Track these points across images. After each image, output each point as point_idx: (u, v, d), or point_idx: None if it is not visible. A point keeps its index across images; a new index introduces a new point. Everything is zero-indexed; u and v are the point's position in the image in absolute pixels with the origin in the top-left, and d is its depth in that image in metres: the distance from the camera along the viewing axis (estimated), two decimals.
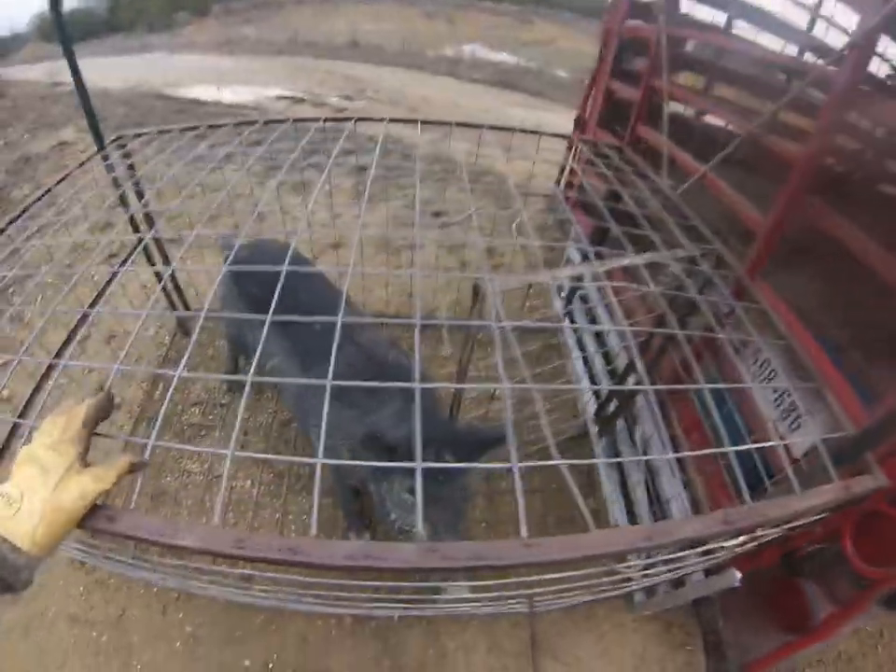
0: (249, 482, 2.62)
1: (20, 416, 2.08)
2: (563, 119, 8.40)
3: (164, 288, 2.94)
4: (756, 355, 1.94)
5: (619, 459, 2.65)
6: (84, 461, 0.85)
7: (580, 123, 4.16)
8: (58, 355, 2.16)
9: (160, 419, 1.08)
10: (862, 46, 1.63)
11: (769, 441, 1.25)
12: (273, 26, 18.07)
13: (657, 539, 0.94)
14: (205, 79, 9.05)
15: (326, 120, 2.47)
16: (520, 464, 0.94)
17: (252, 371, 1.12)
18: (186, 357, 1.12)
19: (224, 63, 10.51)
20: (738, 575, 1.60)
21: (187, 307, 3.22)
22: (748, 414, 1.81)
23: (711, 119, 2.65)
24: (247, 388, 1.10)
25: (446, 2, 26.62)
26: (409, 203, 4.08)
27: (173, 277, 3.03)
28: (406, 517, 1.58)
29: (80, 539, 1.72)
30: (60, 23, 2.25)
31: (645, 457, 2.45)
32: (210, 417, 2.84)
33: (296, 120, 2.42)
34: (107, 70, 9.02)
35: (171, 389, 1.10)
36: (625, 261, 1.75)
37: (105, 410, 0.93)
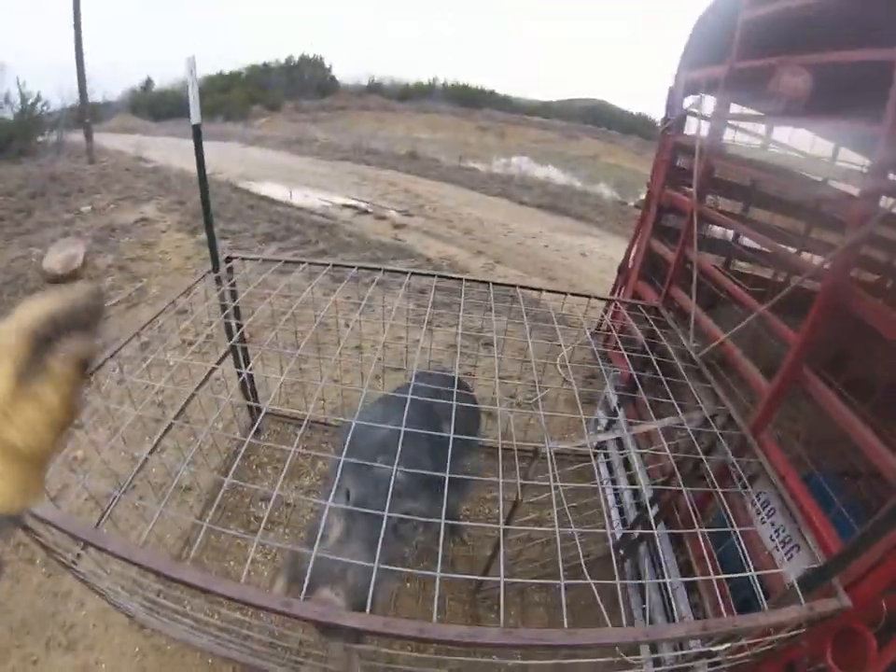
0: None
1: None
2: (603, 246, 8.96)
3: (244, 391, 3.35)
4: (759, 495, 2.20)
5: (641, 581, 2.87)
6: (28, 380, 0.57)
7: (623, 272, 4.55)
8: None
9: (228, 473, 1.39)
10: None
11: (766, 569, 1.59)
12: (336, 128, 19.67)
13: (651, 636, 1.36)
14: (276, 177, 9.89)
15: (412, 274, 2.95)
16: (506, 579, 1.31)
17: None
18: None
19: (293, 162, 11.51)
20: None
21: (258, 408, 3.60)
22: (749, 545, 1.98)
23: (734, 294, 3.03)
24: None
25: (497, 116, 28.61)
26: (462, 330, 4.49)
27: (250, 378, 3.44)
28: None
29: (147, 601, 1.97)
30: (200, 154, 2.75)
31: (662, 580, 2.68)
32: (276, 514, 3.12)
33: (386, 270, 2.90)
34: (187, 153, 9.88)
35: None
36: (650, 426, 2.13)
37: (74, 310, 0.62)
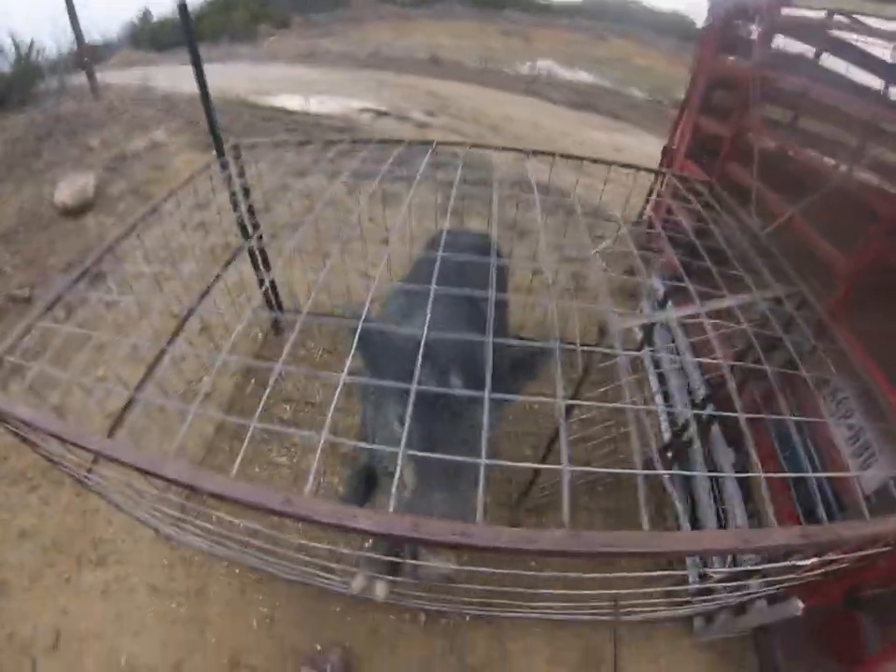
0: (336, 478, 2.74)
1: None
2: (640, 143, 8.40)
3: (264, 289, 3.13)
4: (835, 393, 1.97)
5: (689, 474, 2.67)
6: None
7: (667, 154, 4.13)
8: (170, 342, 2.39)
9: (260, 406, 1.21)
10: None
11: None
12: (352, 40, 18.62)
13: (752, 543, 1.06)
14: (291, 89, 9.38)
15: (410, 143, 2.66)
16: (570, 468, 1.03)
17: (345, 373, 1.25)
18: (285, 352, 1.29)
19: (308, 73, 10.89)
20: (801, 605, 1.65)
21: (280, 306, 3.40)
22: (823, 449, 1.89)
23: (802, 157, 2.63)
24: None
25: (522, 20, 26.84)
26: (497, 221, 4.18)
27: (272, 282, 3.22)
28: (391, 459, 1.39)
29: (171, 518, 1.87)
30: (193, 45, 2.42)
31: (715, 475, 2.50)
32: (300, 415, 2.98)
33: (410, 143, 2.65)
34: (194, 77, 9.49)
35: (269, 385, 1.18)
36: (723, 304, 1.84)
37: None
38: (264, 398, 1.31)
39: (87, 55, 8.82)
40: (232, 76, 9.99)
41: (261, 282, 2.99)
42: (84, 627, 2.23)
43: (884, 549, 1.35)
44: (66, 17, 8.79)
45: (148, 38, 23.95)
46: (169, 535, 2.34)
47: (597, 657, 2.25)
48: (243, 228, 2.76)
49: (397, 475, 1.02)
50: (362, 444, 1.66)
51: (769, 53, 2.82)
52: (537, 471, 2.38)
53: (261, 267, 2.98)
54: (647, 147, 8.21)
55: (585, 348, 1.60)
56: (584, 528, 2.02)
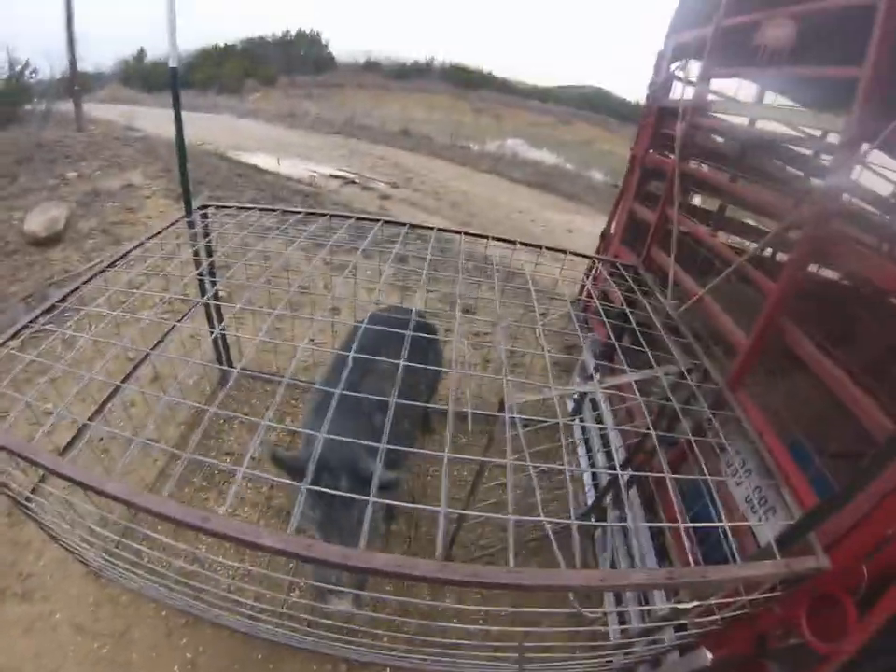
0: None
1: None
2: (592, 224, 8.92)
3: (214, 343, 3.30)
4: (736, 455, 2.13)
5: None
6: None
7: (605, 238, 4.52)
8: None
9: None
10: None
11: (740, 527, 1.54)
12: (332, 104, 19.40)
13: (609, 582, 1.25)
14: (266, 148, 9.75)
15: (385, 223, 2.90)
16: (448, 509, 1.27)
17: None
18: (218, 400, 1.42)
19: (285, 134, 11.34)
20: (709, 655, 1.75)
21: (230, 362, 3.55)
22: (727, 506, 1.98)
23: (712, 243, 2.99)
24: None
25: (493, 98, 28.28)
26: (442, 297, 4.46)
27: (223, 335, 3.39)
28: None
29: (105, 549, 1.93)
30: (178, 113, 2.67)
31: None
32: (240, 466, 3.06)
33: (359, 218, 2.86)
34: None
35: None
36: (624, 379, 2.09)
37: None
38: (197, 436, 1.45)
39: (77, 84, 8.97)
40: (215, 127, 10.30)
41: (214, 340, 3.16)
42: (3, 663, 2.19)
43: (770, 594, 1.51)
44: (64, 43, 9.02)
45: (140, 77, 24.32)
46: (100, 569, 2.33)
47: None
48: (201, 284, 2.95)
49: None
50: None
51: (690, 149, 3.24)
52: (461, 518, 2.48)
53: (214, 323, 3.14)
54: (596, 228, 8.68)
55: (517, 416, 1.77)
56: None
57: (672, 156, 3.47)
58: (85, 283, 2.22)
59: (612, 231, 4.45)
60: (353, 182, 8.77)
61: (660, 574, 1.27)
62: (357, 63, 34.03)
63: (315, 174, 8.87)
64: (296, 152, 9.84)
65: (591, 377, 3.49)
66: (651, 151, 3.95)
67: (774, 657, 1.86)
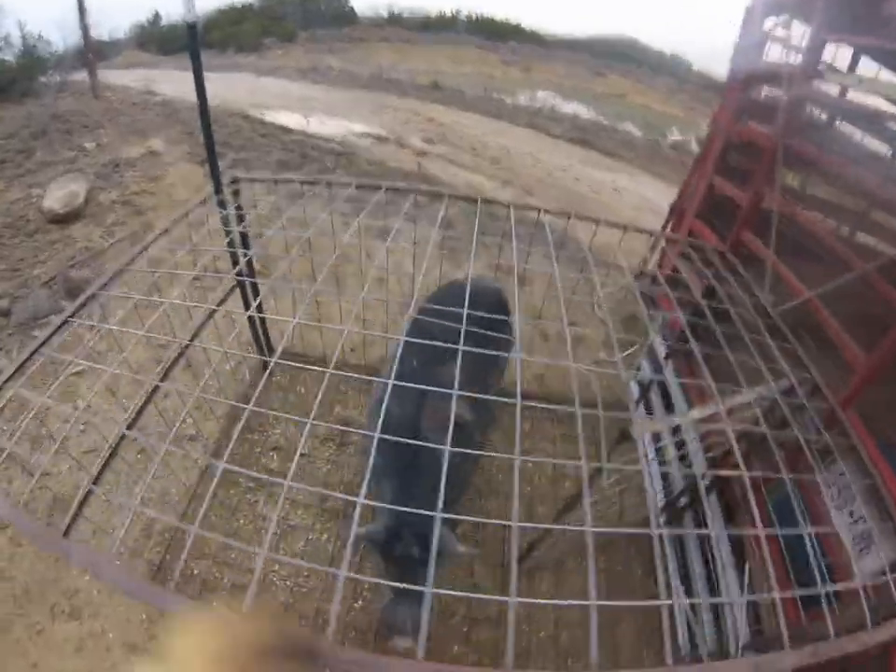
0: (325, 535, 2.60)
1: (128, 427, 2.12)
2: (637, 184, 8.43)
3: (253, 329, 2.98)
4: (836, 478, 1.97)
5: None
6: None
7: (675, 211, 4.06)
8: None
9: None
10: None
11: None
12: (354, 59, 18.65)
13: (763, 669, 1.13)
14: (291, 106, 9.29)
15: (420, 193, 2.52)
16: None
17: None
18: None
19: (309, 91, 10.83)
20: None
21: (270, 346, 3.24)
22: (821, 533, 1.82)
23: (826, 237, 2.55)
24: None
25: (522, 51, 27.15)
26: (491, 263, 4.08)
27: (262, 320, 3.06)
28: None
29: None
30: (197, 61, 2.30)
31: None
32: (289, 465, 2.80)
33: (420, 192, 2.49)
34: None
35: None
36: (738, 400, 1.78)
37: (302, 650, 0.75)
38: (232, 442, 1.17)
39: (91, 52, 8.70)
40: (235, 87, 9.92)
41: (251, 319, 2.84)
42: None
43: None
44: (76, 13, 8.74)
45: (156, 41, 23.82)
46: None
47: None
48: (236, 265, 2.62)
49: None
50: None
51: (795, 122, 2.77)
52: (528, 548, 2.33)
53: (250, 300, 2.82)
54: (644, 188, 8.24)
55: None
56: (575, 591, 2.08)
57: (765, 127, 3.02)
58: (107, 282, 1.93)
59: (685, 204, 3.93)
60: (387, 139, 8.31)
61: (806, 653, 1.20)
62: (378, 17, 32.78)
63: (347, 131, 8.42)
64: (322, 109, 9.34)
65: (661, 363, 3.16)
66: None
67: None
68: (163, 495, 2.56)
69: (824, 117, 3.25)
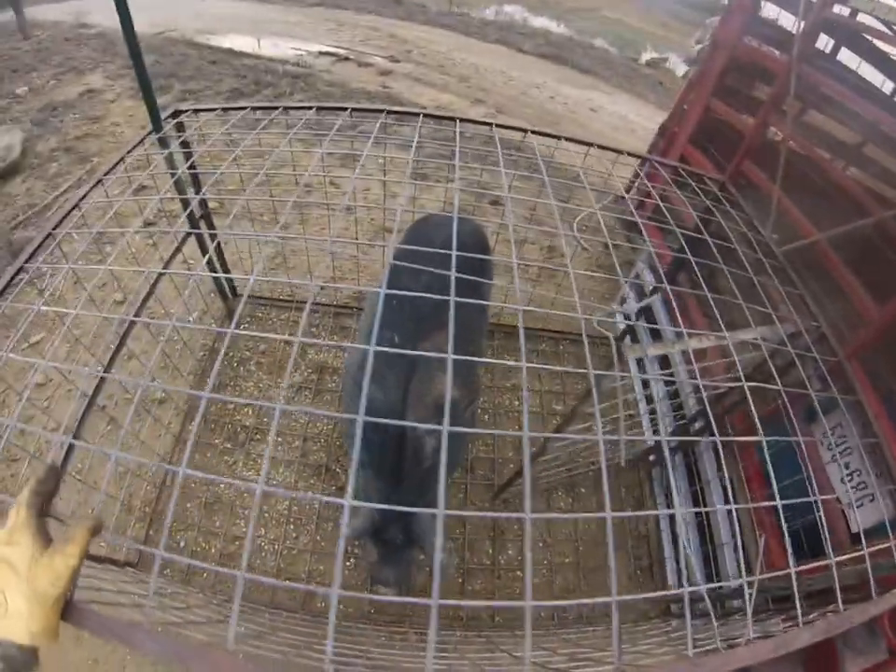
0: (310, 493, 2.49)
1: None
2: (612, 102, 8.07)
3: (213, 270, 2.74)
4: (834, 428, 1.94)
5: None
6: (44, 542, 0.83)
7: (666, 134, 3.78)
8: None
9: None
10: None
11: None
12: None
13: (780, 650, 1.12)
14: (241, 28, 8.57)
15: (389, 112, 2.24)
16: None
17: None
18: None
19: (259, 10, 9.92)
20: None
21: (234, 290, 3.02)
22: (817, 481, 1.78)
23: (840, 177, 2.34)
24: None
25: None
26: (466, 185, 3.83)
27: (221, 258, 2.82)
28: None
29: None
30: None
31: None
32: (265, 420, 2.67)
33: (389, 111, 2.18)
34: (136, 12, 8.53)
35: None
36: (740, 337, 1.67)
37: (46, 487, 0.89)
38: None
39: None
40: (179, 11, 9.11)
41: (209, 263, 2.60)
42: None
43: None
44: None
45: None
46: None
47: None
48: (184, 201, 2.36)
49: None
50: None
51: (809, 49, 2.50)
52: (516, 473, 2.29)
53: (210, 250, 2.57)
54: (621, 108, 7.88)
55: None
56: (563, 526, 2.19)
57: (776, 51, 2.78)
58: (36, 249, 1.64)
59: (677, 126, 3.64)
60: (346, 59, 7.73)
61: (820, 629, 1.19)
62: None
63: (303, 52, 7.82)
64: (275, 30, 8.60)
65: (650, 294, 3.02)
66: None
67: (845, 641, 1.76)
68: (139, 467, 2.40)
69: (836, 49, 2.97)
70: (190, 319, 2.97)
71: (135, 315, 2.06)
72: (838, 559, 1.28)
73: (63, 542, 0.82)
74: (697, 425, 2.45)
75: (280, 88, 6.32)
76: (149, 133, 2.13)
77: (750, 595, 1.23)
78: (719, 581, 2.27)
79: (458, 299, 1.20)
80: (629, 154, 2.31)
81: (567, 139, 2.25)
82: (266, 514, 2.40)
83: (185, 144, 2.15)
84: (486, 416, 2.87)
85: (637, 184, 3.88)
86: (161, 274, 2.19)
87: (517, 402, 2.92)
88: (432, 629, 0.77)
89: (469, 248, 1.54)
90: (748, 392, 1.41)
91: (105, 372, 1.74)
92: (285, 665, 1.06)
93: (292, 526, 2.39)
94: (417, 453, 1.67)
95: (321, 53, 7.88)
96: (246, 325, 3.04)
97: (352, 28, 9.44)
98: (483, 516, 2.47)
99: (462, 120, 2.31)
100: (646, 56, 12.28)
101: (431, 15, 11.25)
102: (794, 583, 1.20)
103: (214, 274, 2.82)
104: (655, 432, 2.75)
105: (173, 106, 2.27)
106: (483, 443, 2.77)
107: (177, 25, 8.40)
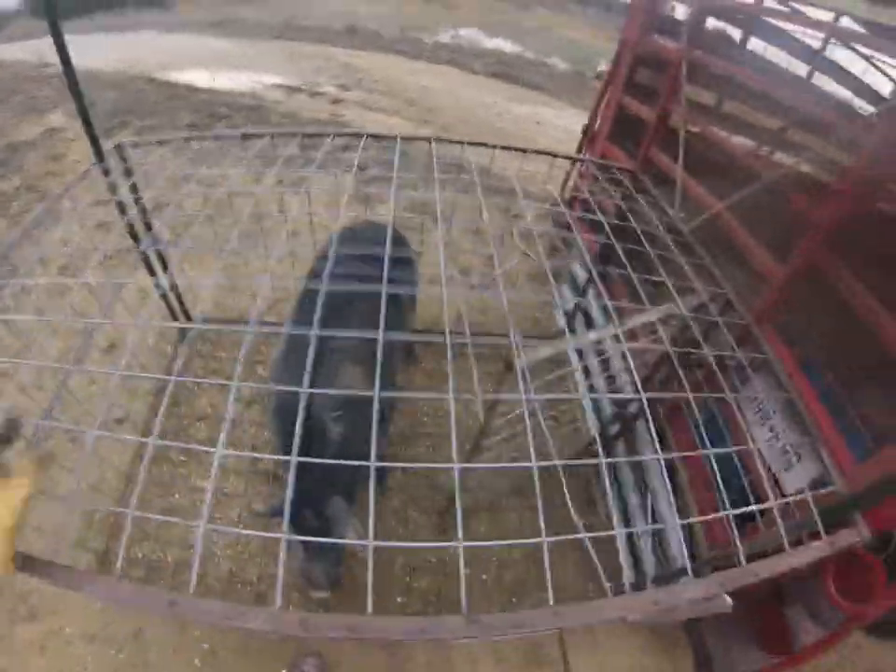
0: (259, 500, 2.62)
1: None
2: (558, 115, 8.36)
3: (165, 297, 2.92)
4: (757, 394, 2.00)
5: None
6: None
7: (587, 133, 4.05)
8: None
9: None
10: None
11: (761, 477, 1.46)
12: (268, 7, 17.61)
13: (664, 603, 1.14)
14: (199, 62, 8.78)
15: (336, 136, 2.47)
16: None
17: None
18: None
19: (219, 44, 10.20)
20: (730, 602, 1.67)
21: (187, 314, 3.20)
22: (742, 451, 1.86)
23: (732, 148, 2.48)
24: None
25: None
26: (409, 205, 4.05)
27: (174, 285, 3.01)
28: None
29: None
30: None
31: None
32: (216, 433, 2.79)
33: (306, 135, 2.41)
34: (96, 50, 8.66)
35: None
36: (647, 317, 1.81)
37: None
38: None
39: None
40: (138, 47, 9.31)
41: (159, 288, 2.78)
42: None
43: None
44: None
45: (49, 6, 21.87)
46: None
47: (541, 654, 2.31)
48: (134, 235, 2.54)
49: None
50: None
51: (699, 35, 2.75)
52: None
53: (158, 273, 2.76)
54: (564, 121, 8.18)
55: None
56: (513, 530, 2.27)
57: (673, 43, 2.99)
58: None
59: (597, 126, 3.92)
60: (298, 89, 7.97)
61: (713, 582, 1.24)
62: None
63: (258, 84, 8.06)
64: (232, 63, 8.85)
65: (583, 290, 3.22)
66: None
67: (792, 605, 1.86)
68: (100, 482, 2.54)
69: (737, 32, 3.23)
70: (148, 343, 3.16)
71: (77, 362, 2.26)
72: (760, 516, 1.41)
73: (13, 477, 0.93)
74: (631, 409, 2.57)
75: (234, 120, 6.50)
76: (91, 167, 2.32)
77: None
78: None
79: (373, 287, 1.43)
80: (536, 152, 2.55)
81: (502, 147, 2.50)
82: (219, 520, 2.52)
83: (129, 172, 2.35)
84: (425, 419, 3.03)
85: (565, 185, 4.16)
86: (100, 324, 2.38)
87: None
88: None
89: (382, 245, 1.75)
90: (673, 358, 1.58)
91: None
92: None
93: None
94: (321, 437, 1.83)
95: (274, 85, 8.10)
96: (201, 346, 3.21)
97: (308, 58, 9.71)
98: (418, 546, 2.53)
99: (403, 138, 2.53)
100: (598, 69, 12.72)
101: (385, 42, 11.60)
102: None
103: (160, 323, 3.00)
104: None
105: (120, 140, 2.46)
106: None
107: (137, 60, 8.56)
